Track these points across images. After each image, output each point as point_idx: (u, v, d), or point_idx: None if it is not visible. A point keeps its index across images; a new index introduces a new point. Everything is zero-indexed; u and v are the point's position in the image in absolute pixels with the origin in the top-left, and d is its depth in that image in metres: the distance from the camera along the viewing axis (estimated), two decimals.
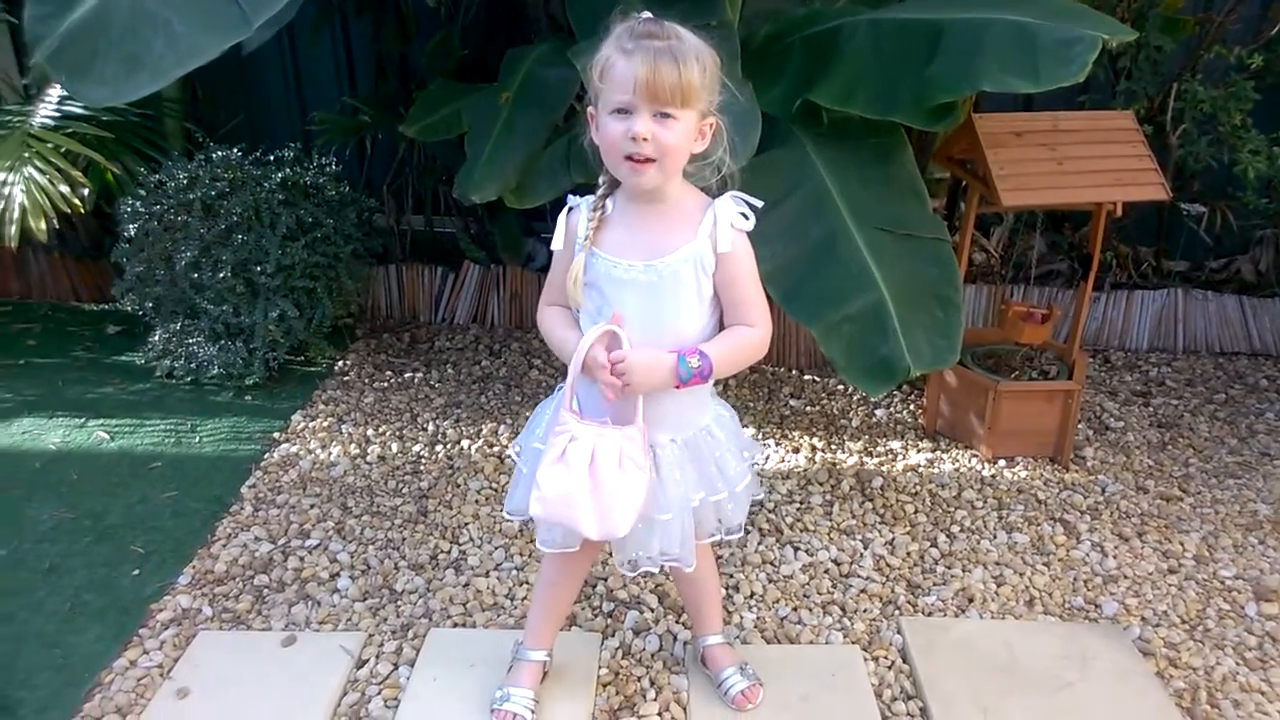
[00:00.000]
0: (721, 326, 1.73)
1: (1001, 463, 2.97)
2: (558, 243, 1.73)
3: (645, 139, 1.53)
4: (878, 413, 3.24)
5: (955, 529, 2.65)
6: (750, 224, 1.70)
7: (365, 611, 2.26)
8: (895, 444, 3.06)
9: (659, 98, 1.52)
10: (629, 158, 1.56)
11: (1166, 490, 2.88)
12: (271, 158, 3.41)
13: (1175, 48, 3.44)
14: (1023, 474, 2.93)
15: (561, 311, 1.78)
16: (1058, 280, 3.94)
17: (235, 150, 3.39)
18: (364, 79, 4.17)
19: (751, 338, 1.72)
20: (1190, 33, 3.42)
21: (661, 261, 1.65)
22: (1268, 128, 3.42)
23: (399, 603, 2.30)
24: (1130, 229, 3.90)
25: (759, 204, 1.71)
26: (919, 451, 3.02)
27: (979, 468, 2.94)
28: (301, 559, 2.45)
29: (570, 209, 1.73)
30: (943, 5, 2.51)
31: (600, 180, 1.71)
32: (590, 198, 1.73)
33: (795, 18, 2.80)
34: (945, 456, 2.99)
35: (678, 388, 1.66)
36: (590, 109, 1.65)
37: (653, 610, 2.27)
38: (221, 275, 3.15)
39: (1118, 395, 3.45)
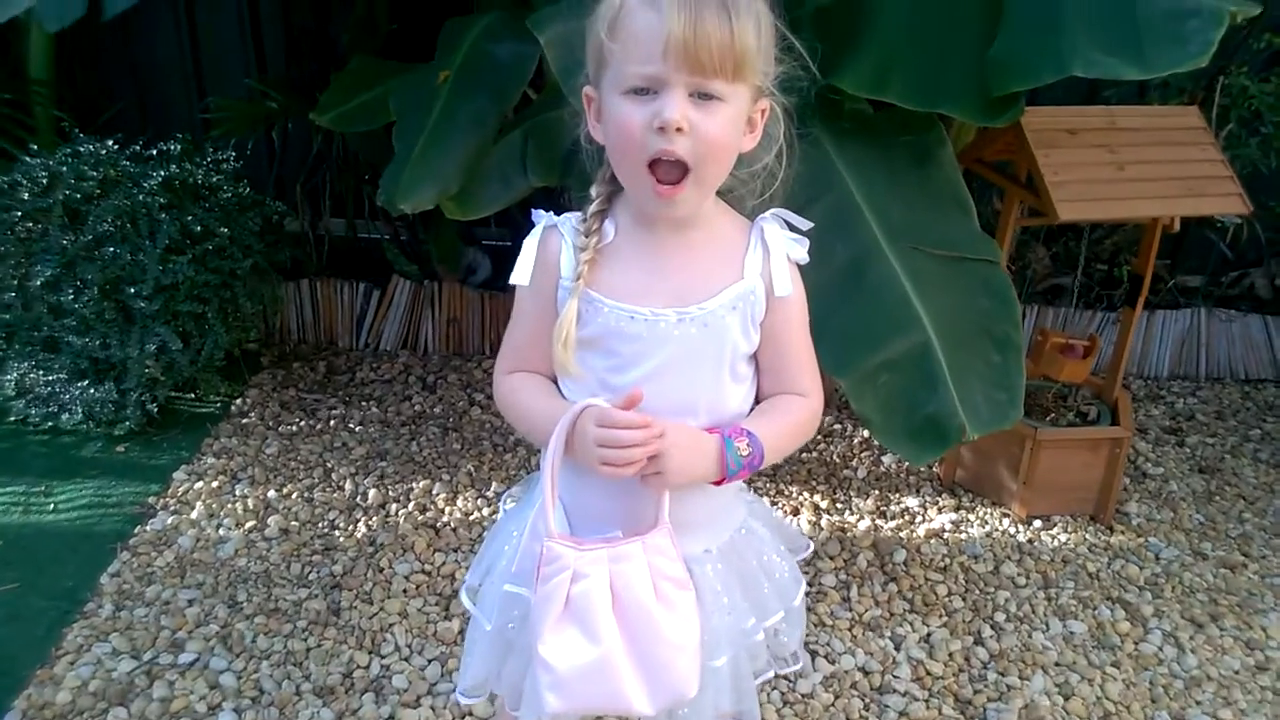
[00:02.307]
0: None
1: (1037, 524, 2.50)
2: (522, 276, 1.18)
3: (681, 129, 1.02)
4: (885, 460, 2.75)
5: (1000, 616, 2.16)
6: (805, 255, 1.20)
7: None
8: (911, 501, 2.56)
9: (702, 65, 1.01)
10: (655, 165, 1.04)
11: (1227, 555, 2.44)
12: (155, 152, 2.79)
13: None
14: (1064, 538, 2.46)
15: (538, 378, 1.23)
16: (1066, 298, 3.50)
17: (110, 142, 2.77)
18: (275, 59, 3.56)
19: (805, 411, 1.24)
20: (1233, 21, 2.98)
21: (700, 308, 1.15)
22: None
23: None
24: (1140, 240, 3.46)
25: (807, 225, 1.22)
26: (940, 511, 2.52)
27: (1013, 531, 2.47)
28: (172, 683, 1.86)
29: (546, 228, 1.19)
30: None
31: (593, 190, 1.18)
32: (574, 216, 1.19)
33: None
34: (972, 517, 2.51)
35: (718, 483, 1.15)
36: (586, 88, 1.12)
37: None
38: (87, 298, 2.53)
39: (1148, 433, 3.01)
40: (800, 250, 1.21)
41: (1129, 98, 3.13)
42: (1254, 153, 2.98)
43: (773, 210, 1.21)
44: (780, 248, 1.18)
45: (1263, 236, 3.43)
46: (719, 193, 1.20)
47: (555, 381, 1.23)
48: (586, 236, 1.14)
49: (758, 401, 1.24)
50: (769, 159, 1.19)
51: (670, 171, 1.05)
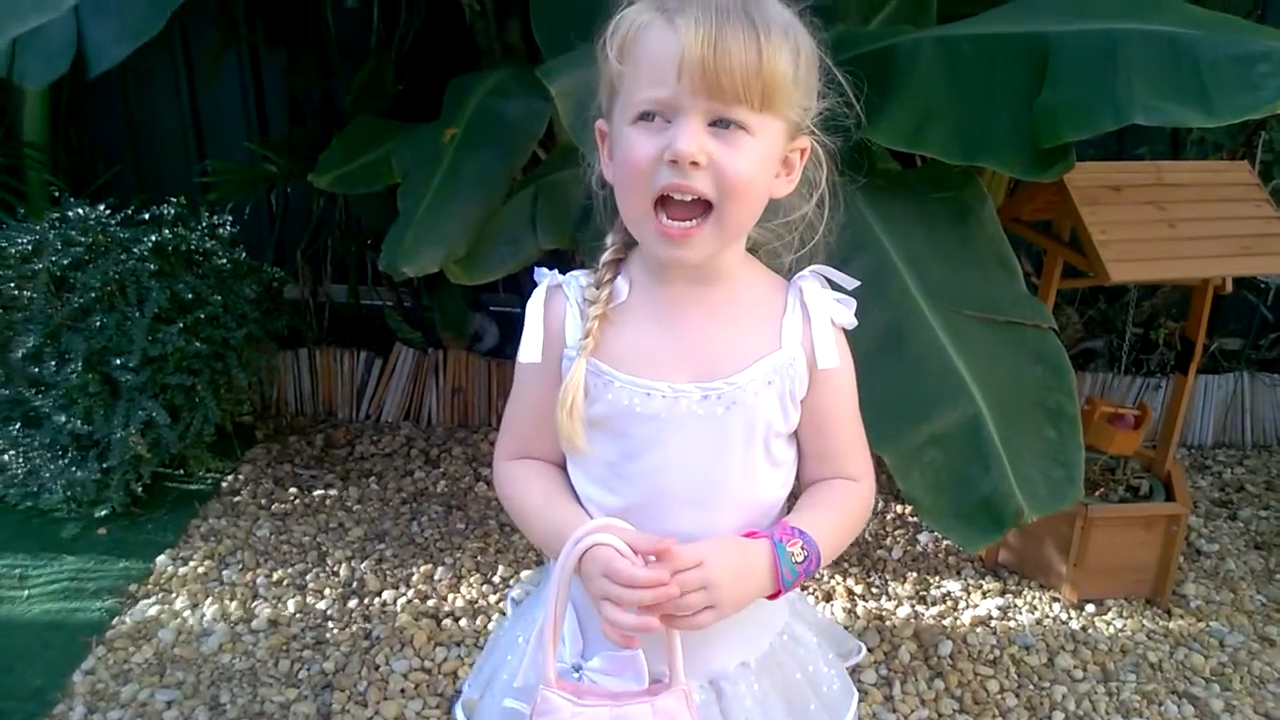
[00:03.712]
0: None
1: (1090, 608, 2.31)
2: (532, 352, 1.03)
3: (696, 162, 0.88)
4: (921, 538, 2.56)
5: (1058, 716, 1.97)
6: (852, 318, 1.05)
7: None
8: (952, 584, 2.37)
9: (722, 89, 0.87)
10: (663, 204, 0.89)
11: None
12: (147, 216, 2.67)
13: None
14: (1119, 624, 2.26)
15: (542, 469, 1.07)
16: (1098, 362, 3.34)
17: (101, 207, 2.65)
18: (278, 121, 3.46)
19: (859, 499, 1.09)
20: None
21: (728, 383, 0.99)
22: None
23: None
24: (1178, 302, 3.31)
25: (853, 284, 1.07)
26: (985, 595, 2.33)
27: (1065, 617, 2.27)
28: None
29: (550, 289, 1.04)
30: (1028, 16, 1.89)
31: (607, 239, 1.03)
32: (582, 274, 1.05)
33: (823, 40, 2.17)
34: (1019, 602, 2.32)
35: (773, 598, 0.98)
36: (599, 122, 0.98)
37: None
38: (70, 370, 2.39)
39: (1199, 506, 2.83)
40: (846, 313, 1.06)
41: (1161, 155, 3.00)
42: None
43: (811, 267, 1.06)
44: (823, 311, 1.03)
45: None
46: (748, 249, 1.06)
47: (565, 465, 1.07)
48: (598, 288, 0.99)
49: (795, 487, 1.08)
50: (808, 208, 1.04)
51: (684, 210, 0.91)
